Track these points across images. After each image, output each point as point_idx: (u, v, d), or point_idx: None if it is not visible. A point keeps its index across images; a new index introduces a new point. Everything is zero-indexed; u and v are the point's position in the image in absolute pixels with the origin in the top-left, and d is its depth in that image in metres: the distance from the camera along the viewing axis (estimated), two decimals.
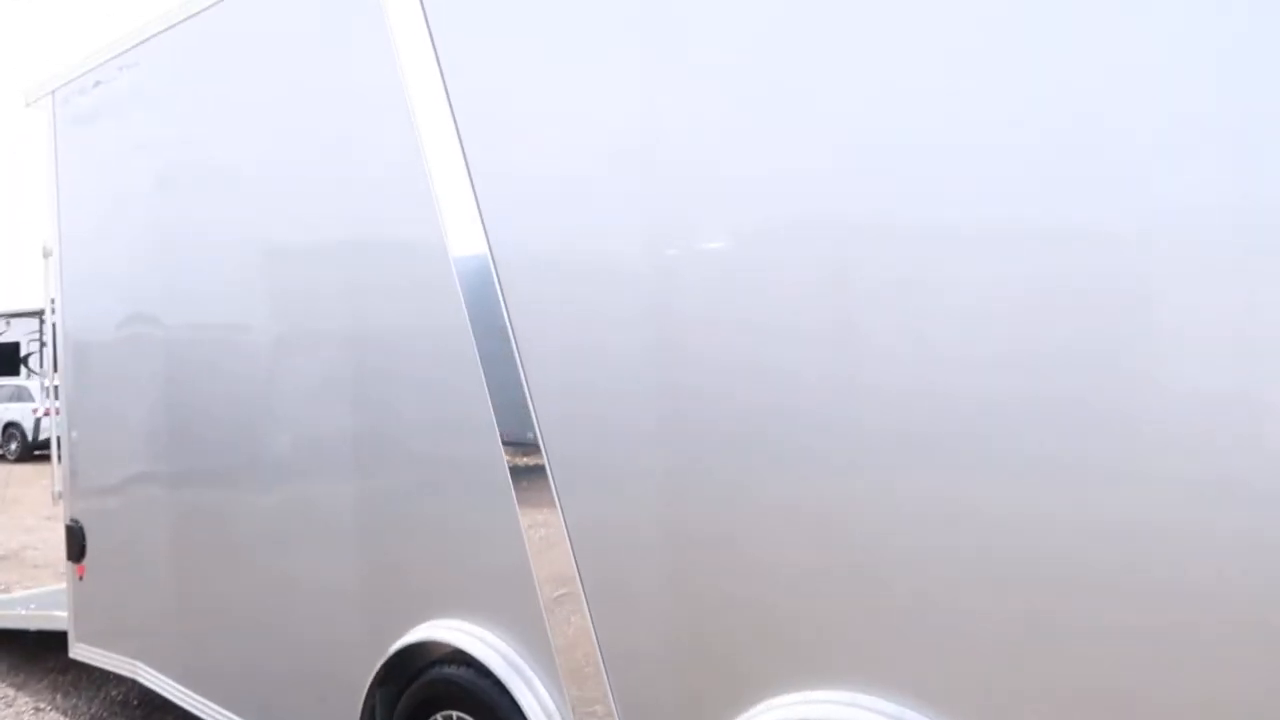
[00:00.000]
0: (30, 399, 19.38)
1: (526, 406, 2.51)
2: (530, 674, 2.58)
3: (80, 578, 4.27)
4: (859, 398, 1.94)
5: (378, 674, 2.97)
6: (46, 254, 4.32)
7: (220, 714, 3.65)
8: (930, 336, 1.83)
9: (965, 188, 1.79)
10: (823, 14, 1.98)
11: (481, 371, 2.61)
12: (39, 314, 24.49)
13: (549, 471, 2.47)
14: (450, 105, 2.66)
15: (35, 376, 23.37)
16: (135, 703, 4.54)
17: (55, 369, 4.39)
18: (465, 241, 2.64)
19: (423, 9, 2.71)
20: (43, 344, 24.19)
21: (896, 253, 1.88)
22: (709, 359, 2.19)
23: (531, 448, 2.51)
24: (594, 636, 2.41)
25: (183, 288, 3.67)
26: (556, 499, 2.46)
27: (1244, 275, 1.52)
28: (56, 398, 4.41)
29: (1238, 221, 1.52)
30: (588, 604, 2.42)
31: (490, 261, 2.58)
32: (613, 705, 2.39)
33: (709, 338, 2.19)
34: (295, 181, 3.18)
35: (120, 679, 4.78)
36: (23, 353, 24.96)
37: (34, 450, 18.71)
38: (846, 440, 1.96)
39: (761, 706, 2.11)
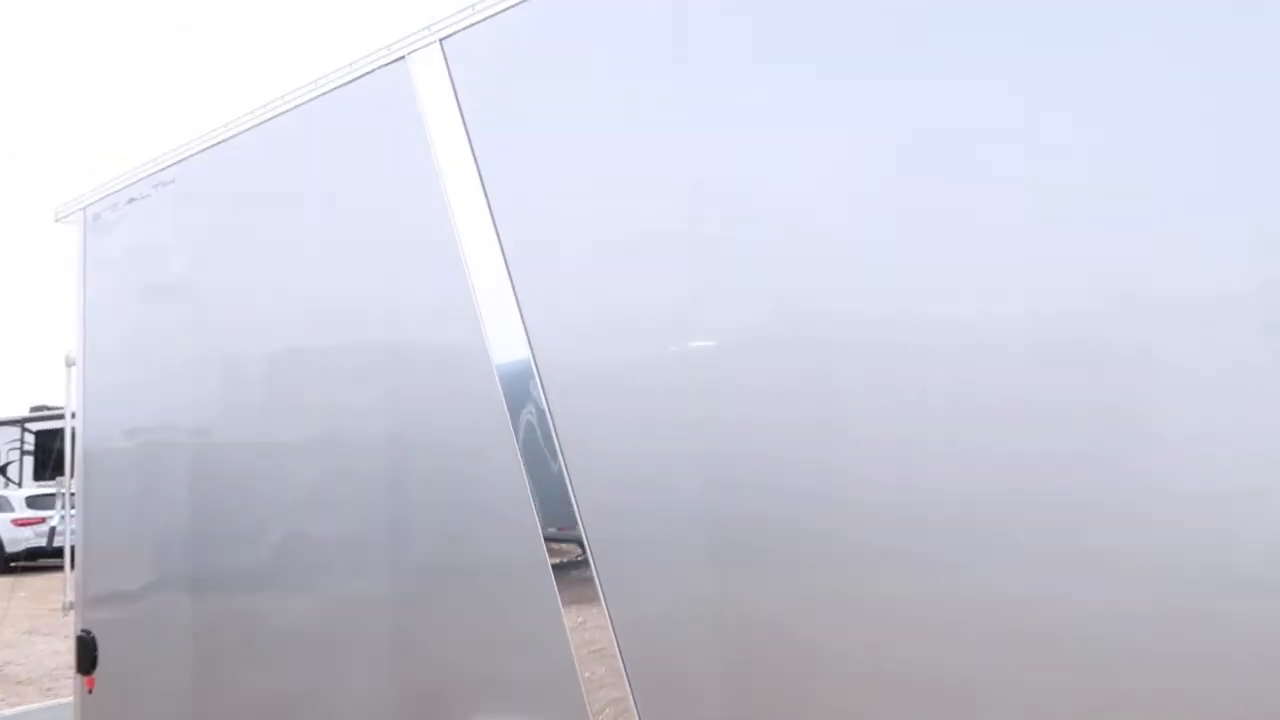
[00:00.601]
0: (10, 509, 19.02)
1: (571, 509, 2.56)
2: None
3: (90, 690, 4.18)
4: (895, 493, 2.02)
5: None
6: (70, 364, 4.38)
7: None
8: (969, 442, 1.92)
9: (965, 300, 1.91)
10: (842, 119, 2.13)
11: (525, 473, 2.66)
12: (19, 423, 24.27)
13: (595, 573, 2.51)
14: (491, 214, 2.78)
15: (13, 486, 23.00)
16: None
17: (71, 477, 4.39)
18: (507, 348, 2.73)
19: (464, 123, 2.86)
20: (24, 453, 23.88)
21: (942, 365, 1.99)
22: (752, 456, 2.26)
23: (576, 550, 2.55)
24: None
25: (210, 400, 3.72)
26: (603, 600, 2.49)
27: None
28: (72, 506, 4.40)
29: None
30: (636, 707, 2.43)
31: (533, 365, 2.66)
32: None
33: (752, 434, 2.26)
34: (331, 294, 3.28)
35: None
36: (2, 462, 24.60)
37: (10, 563, 18.27)
38: (895, 530, 2.02)
39: None
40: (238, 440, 3.65)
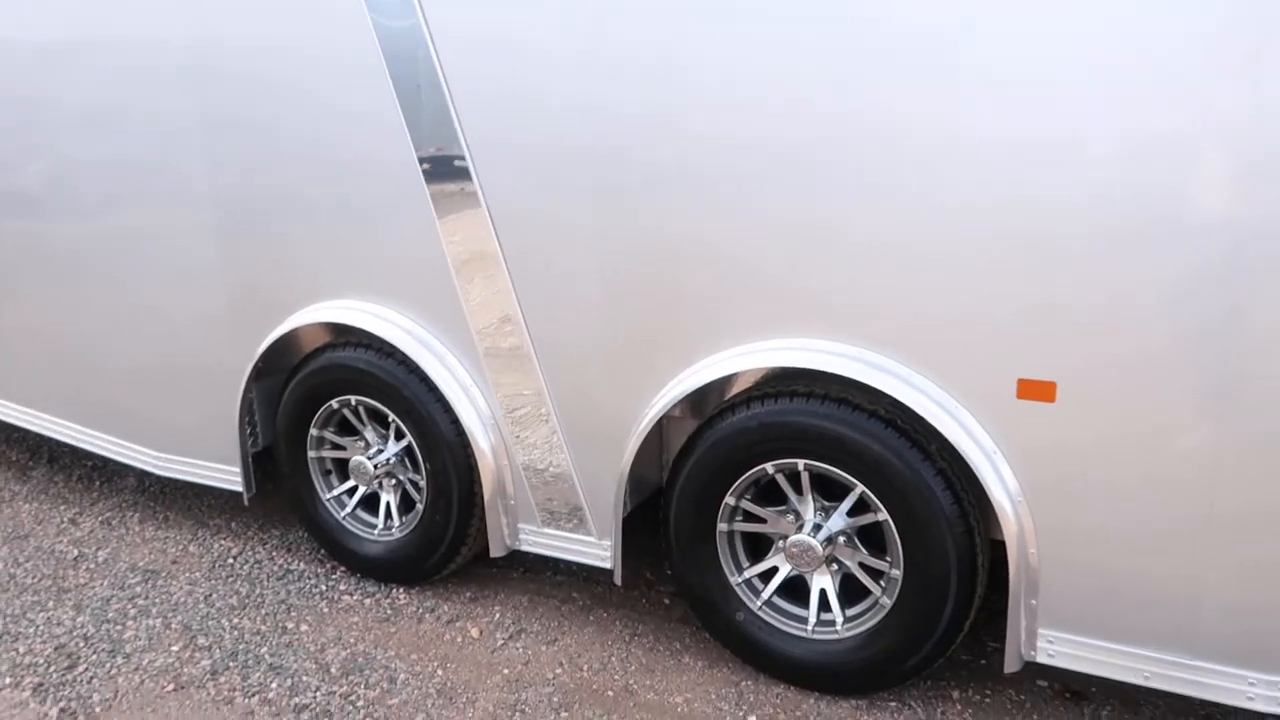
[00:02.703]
0: None
1: (452, 122, 2.27)
2: (442, 349, 2.48)
3: None
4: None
5: (254, 367, 2.78)
6: None
7: (73, 430, 3.37)
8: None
9: None
10: None
11: (392, 88, 2.34)
12: None
13: (477, 183, 2.27)
14: None
15: None
16: None
17: None
18: None
19: None
20: None
21: None
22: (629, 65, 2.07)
23: (457, 160, 2.28)
24: (517, 304, 2.32)
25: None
26: (484, 204, 2.28)
27: None
28: None
29: None
30: (510, 273, 2.31)
31: None
32: (541, 377, 2.33)
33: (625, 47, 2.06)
34: None
35: None
36: None
37: None
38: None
39: (704, 361, 2.14)
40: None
